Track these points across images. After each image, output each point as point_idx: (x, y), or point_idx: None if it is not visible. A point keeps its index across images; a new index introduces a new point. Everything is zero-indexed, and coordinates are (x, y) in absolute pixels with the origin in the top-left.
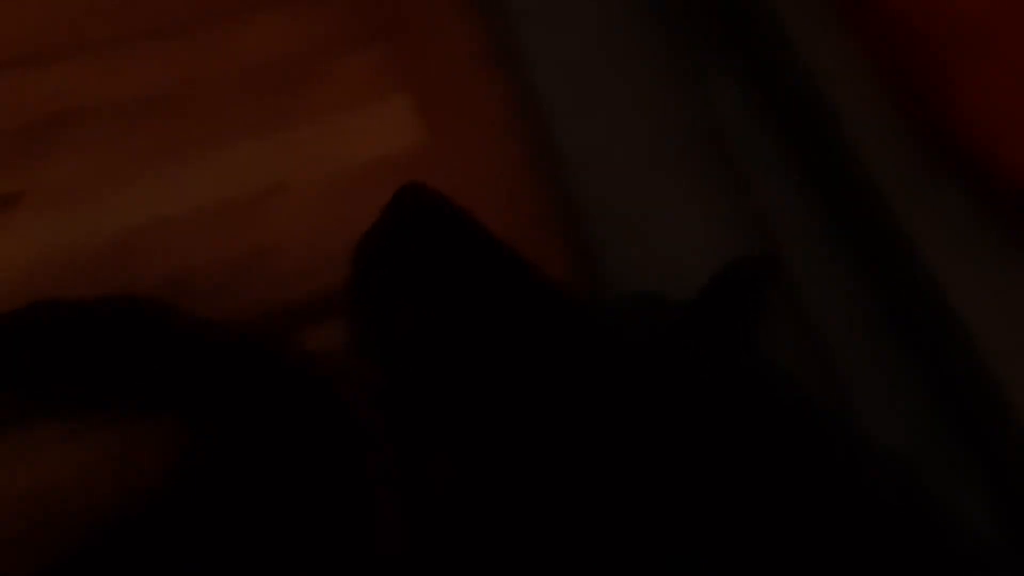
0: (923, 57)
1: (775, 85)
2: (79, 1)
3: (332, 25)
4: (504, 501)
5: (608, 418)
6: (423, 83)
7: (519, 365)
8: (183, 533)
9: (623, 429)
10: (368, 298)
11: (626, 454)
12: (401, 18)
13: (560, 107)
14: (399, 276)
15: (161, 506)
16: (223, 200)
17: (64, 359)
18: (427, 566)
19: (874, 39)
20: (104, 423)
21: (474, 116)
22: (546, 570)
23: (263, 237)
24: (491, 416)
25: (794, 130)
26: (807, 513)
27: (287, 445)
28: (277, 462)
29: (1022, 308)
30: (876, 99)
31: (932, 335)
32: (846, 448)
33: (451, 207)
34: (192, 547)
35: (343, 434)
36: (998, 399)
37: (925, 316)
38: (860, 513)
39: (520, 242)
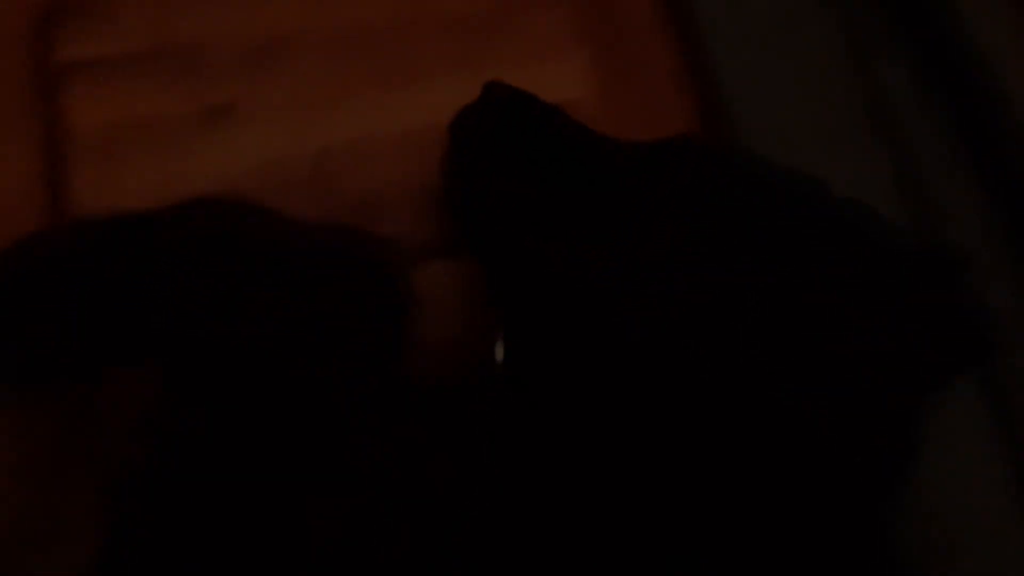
0: None
1: (943, 66)
2: None
3: None
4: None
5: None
6: (601, 41)
7: (584, 231)
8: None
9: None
10: (461, 163)
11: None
12: None
13: (731, 74)
14: (489, 146)
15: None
16: (419, 129)
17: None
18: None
19: None
20: None
21: (646, 76)
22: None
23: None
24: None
25: (960, 112)
26: None
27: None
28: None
29: None
30: None
31: None
32: None
33: (536, 99)
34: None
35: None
36: None
37: None
38: None
39: None
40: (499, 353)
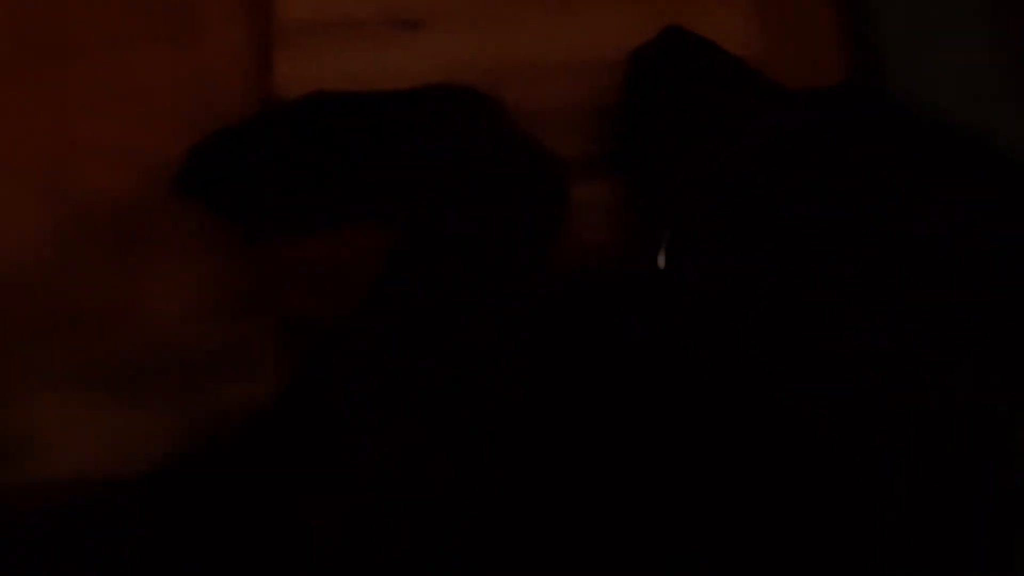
0: None
1: None
2: None
3: None
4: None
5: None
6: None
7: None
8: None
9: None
10: (639, 95)
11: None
12: None
13: (893, 41)
14: (667, 85)
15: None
16: (586, 57)
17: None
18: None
19: None
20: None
21: (809, 30)
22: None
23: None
24: None
25: None
26: None
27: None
28: None
29: None
30: None
31: None
32: None
33: (713, 44)
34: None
35: None
36: None
37: None
38: None
39: None
40: (662, 261)
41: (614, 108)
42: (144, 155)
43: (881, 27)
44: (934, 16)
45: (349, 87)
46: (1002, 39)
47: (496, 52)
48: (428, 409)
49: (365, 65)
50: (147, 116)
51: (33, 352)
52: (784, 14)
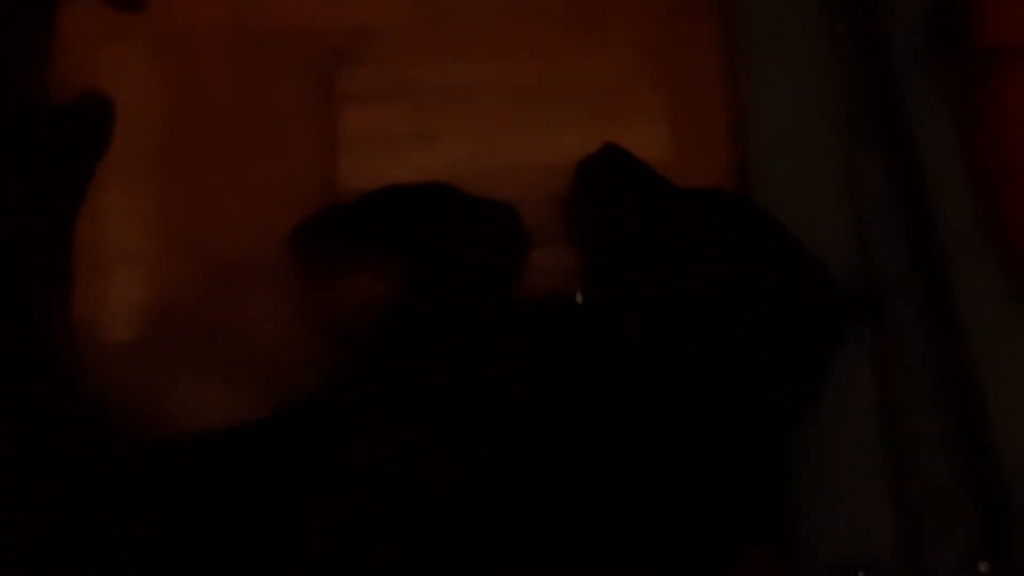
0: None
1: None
2: None
3: None
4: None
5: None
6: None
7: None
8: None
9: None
10: (584, 194)
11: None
12: None
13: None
14: (607, 189)
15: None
16: (553, 161)
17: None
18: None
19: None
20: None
21: (711, 138)
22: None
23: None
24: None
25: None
26: None
27: None
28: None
29: None
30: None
31: None
32: None
33: (635, 158)
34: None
35: None
36: None
37: None
38: None
39: None
40: (579, 298)
41: (568, 198)
42: (257, 226)
43: (751, 133)
44: (794, 143)
45: (389, 180)
46: (834, 164)
47: (487, 156)
48: (428, 409)
49: (399, 164)
50: (258, 200)
51: (188, 356)
52: (691, 125)
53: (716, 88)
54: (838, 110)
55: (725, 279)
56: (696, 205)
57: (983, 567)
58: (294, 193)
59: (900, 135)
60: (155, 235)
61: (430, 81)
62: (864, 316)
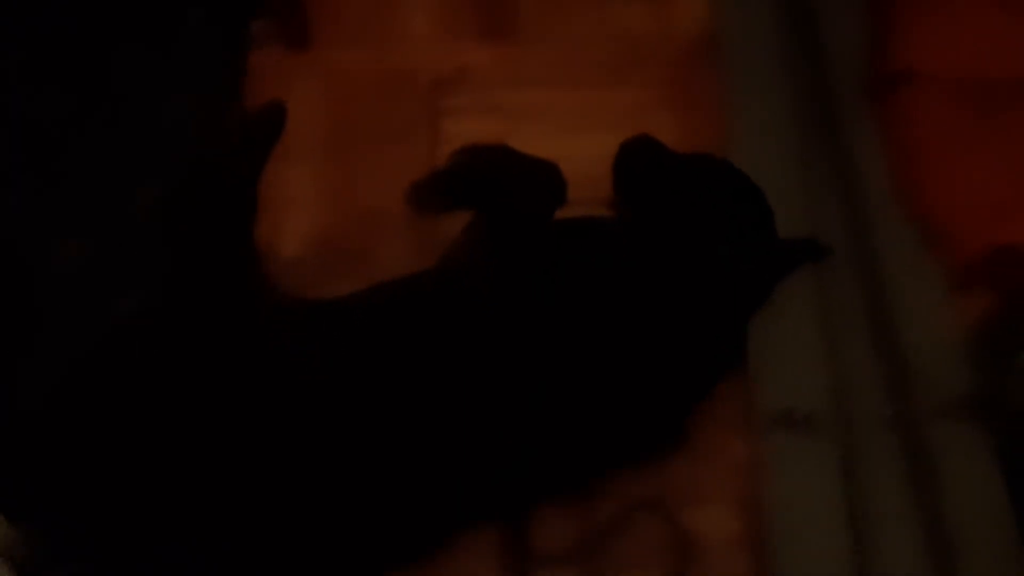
0: None
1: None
2: None
3: None
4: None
5: None
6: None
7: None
8: None
9: None
10: (626, 185)
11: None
12: None
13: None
14: (644, 154)
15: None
16: (603, 153)
17: None
18: None
19: None
20: None
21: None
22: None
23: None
24: None
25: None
26: None
27: None
28: None
29: None
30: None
31: None
32: None
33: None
34: None
35: None
36: None
37: None
38: None
39: None
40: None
41: (613, 163)
42: (387, 190)
43: (737, 145)
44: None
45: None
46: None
47: (545, 152)
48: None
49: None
50: (388, 175)
51: (336, 273)
52: (692, 140)
53: (712, 114)
54: (797, 123)
55: (722, 209)
56: (703, 167)
57: None
58: (412, 171)
59: (842, 143)
60: (319, 190)
61: (505, 102)
62: (810, 257)
